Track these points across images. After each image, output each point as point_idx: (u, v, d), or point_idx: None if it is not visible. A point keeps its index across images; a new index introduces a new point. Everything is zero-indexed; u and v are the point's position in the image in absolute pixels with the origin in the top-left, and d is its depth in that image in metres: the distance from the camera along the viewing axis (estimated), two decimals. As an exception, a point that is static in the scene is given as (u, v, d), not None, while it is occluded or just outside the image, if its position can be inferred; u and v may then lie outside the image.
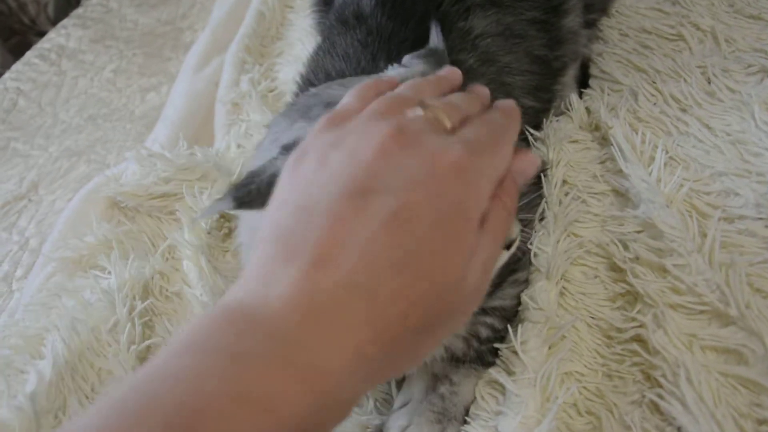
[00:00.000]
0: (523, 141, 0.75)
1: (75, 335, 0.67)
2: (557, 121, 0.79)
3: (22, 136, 1.18)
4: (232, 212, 0.77)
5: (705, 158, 0.69)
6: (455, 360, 0.60)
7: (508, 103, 0.42)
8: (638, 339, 0.57)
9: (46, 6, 1.72)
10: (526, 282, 0.63)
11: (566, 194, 0.71)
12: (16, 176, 1.08)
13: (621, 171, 0.69)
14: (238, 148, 0.93)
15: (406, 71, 0.50)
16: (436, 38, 0.51)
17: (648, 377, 0.55)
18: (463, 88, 0.45)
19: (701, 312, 0.55)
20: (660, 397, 0.52)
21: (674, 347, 0.53)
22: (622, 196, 0.69)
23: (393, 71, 0.51)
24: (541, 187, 0.70)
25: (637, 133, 0.72)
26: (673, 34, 0.88)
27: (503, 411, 0.55)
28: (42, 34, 1.49)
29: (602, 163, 0.74)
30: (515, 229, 0.44)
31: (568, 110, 0.81)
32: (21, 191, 1.04)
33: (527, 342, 0.57)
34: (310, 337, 0.29)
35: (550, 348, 0.58)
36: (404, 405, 0.59)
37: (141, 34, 1.41)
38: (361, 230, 0.31)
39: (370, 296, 0.30)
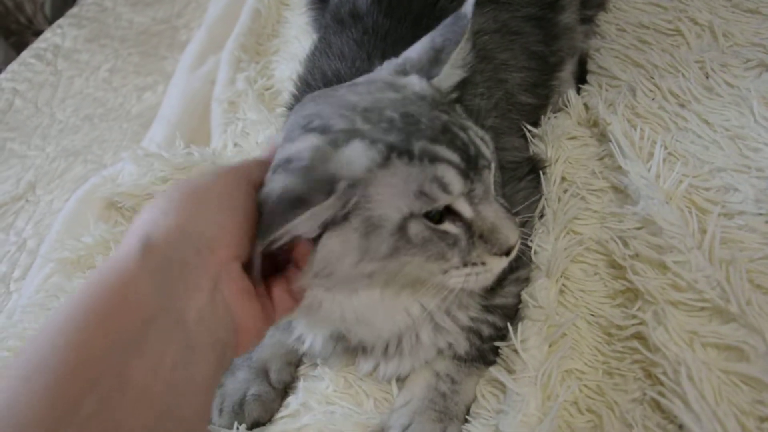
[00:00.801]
0: (522, 138, 0.75)
1: (73, 337, 0.67)
2: (555, 117, 0.79)
3: (19, 137, 1.17)
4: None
5: (704, 154, 0.69)
6: (457, 358, 0.60)
7: None
8: (639, 336, 0.57)
9: (42, 5, 1.71)
10: (527, 280, 0.63)
11: (565, 191, 0.70)
12: (13, 177, 1.07)
13: (620, 167, 0.69)
14: (235, 146, 0.92)
15: (403, 60, 0.50)
16: (469, 7, 0.51)
17: (649, 375, 0.55)
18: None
19: (702, 309, 0.55)
20: (661, 394, 0.51)
21: (675, 344, 0.53)
22: (622, 192, 0.69)
23: (388, 64, 0.51)
24: (541, 186, 0.70)
25: (635, 129, 0.72)
26: (670, 29, 0.87)
27: (504, 409, 0.55)
28: (39, 33, 1.49)
29: (601, 159, 0.74)
30: (514, 235, 0.44)
31: (566, 106, 0.80)
32: (18, 192, 1.04)
33: (527, 340, 0.57)
34: None
35: (550, 346, 0.58)
36: (405, 404, 0.59)
37: (136, 33, 1.40)
38: None
39: None
